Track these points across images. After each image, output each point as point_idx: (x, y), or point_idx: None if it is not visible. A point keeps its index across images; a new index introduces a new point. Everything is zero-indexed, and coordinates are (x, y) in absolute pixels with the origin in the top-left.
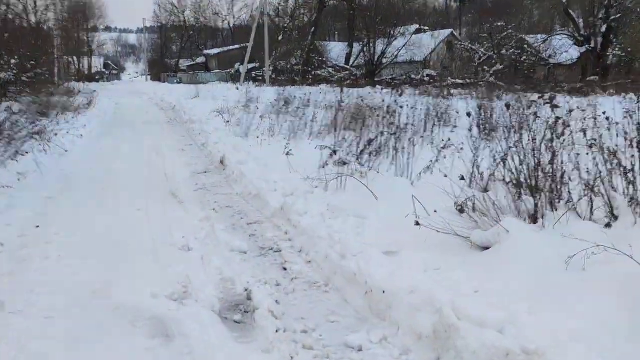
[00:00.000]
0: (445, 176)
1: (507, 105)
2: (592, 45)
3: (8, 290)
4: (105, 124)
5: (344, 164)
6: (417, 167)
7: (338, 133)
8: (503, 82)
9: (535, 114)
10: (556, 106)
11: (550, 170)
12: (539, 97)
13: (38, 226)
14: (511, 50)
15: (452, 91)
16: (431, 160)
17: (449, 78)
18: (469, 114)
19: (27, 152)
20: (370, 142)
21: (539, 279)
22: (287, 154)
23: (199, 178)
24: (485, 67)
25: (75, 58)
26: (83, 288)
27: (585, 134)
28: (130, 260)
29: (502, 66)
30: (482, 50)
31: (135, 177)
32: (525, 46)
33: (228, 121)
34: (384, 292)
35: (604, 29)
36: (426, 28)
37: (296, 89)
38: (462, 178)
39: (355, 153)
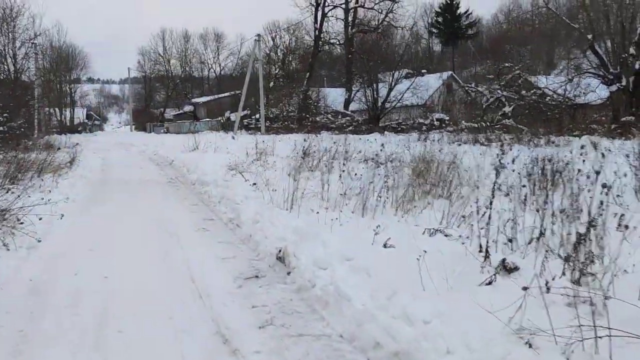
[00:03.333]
0: None
1: None
2: (624, 83)
3: None
4: (93, 187)
5: (507, 270)
6: None
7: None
8: (524, 125)
9: None
10: None
11: None
12: None
13: None
14: (532, 91)
15: (491, 136)
16: None
17: (463, 122)
18: None
19: None
20: (581, 238)
21: None
22: (385, 245)
23: (252, 292)
24: (504, 110)
25: (56, 109)
26: None
27: None
28: None
29: (511, 108)
30: (499, 91)
31: (146, 292)
32: (545, 87)
33: (254, 183)
34: None
35: (637, 65)
36: (424, 71)
37: (296, 136)
38: None
39: (508, 246)
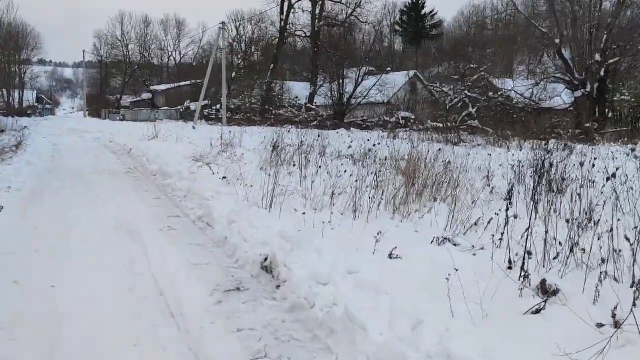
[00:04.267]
0: None
1: None
2: (588, 89)
3: None
4: (41, 176)
5: (548, 293)
6: None
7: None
8: (489, 127)
9: None
10: None
11: None
12: None
13: None
14: (499, 93)
15: (462, 137)
16: None
17: (429, 121)
18: None
19: None
20: None
21: None
22: (391, 256)
23: (235, 310)
24: (469, 111)
25: (4, 91)
26: None
27: None
28: None
29: (475, 109)
30: (466, 92)
31: (104, 309)
32: (512, 89)
33: (225, 177)
34: None
35: (602, 73)
36: (388, 69)
37: (260, 129)
38: None
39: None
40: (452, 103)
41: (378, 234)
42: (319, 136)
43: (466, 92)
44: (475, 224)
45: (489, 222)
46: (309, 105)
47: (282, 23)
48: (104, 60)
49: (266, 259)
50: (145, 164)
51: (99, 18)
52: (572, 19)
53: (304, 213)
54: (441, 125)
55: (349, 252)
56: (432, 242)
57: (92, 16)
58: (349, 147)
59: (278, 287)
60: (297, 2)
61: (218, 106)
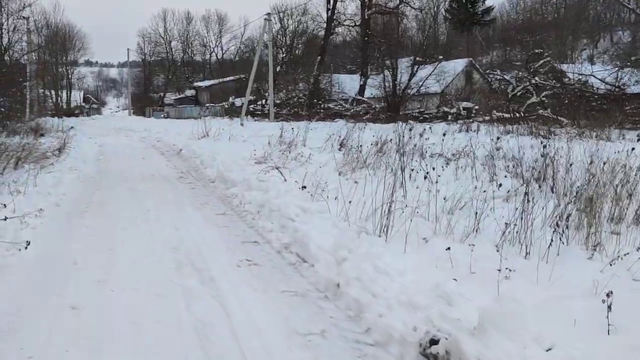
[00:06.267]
0: None
1: None
2: None
3: None
4: (84, 186)
5: None
6: None
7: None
8: (563, 116)
9: None
10: None
11: None
12: None
13: None
14: (577, 79)
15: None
16: None
17: (494, 111)
18: None
19: None
20: None
21: None
22: None
23: None
24: (538, 99)
25: (53, 91)
26: None
27: None
28: None
29: (541, 96)
30: (536, 79)
31: None
32: (591, 74)
33: (304, 187)
34: None
35: None
36: (441, 57)
37: (316, 124)
38: None
39: None
40: (514, 91)
41: (608, 295)
42: (393, 131)
43: (536, 78)
44: None
45: None
46: (359, 97)
47: (329, 12)
48: (147, 58)
49: (433, 342)
50: (199, 167)
51: (143, 19)
52: None
53: (449, 248)
54: (508, 115)
55: (567, 329)
56: None
57: (137, 17)
58: (433, 143)
59: None
60: None
61: (263, 101)
